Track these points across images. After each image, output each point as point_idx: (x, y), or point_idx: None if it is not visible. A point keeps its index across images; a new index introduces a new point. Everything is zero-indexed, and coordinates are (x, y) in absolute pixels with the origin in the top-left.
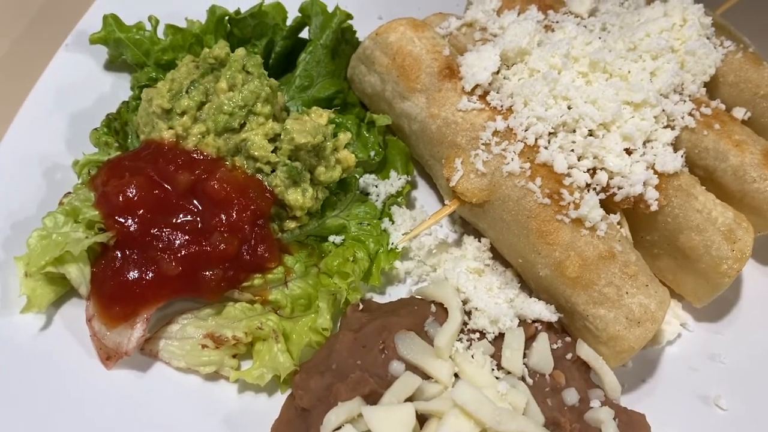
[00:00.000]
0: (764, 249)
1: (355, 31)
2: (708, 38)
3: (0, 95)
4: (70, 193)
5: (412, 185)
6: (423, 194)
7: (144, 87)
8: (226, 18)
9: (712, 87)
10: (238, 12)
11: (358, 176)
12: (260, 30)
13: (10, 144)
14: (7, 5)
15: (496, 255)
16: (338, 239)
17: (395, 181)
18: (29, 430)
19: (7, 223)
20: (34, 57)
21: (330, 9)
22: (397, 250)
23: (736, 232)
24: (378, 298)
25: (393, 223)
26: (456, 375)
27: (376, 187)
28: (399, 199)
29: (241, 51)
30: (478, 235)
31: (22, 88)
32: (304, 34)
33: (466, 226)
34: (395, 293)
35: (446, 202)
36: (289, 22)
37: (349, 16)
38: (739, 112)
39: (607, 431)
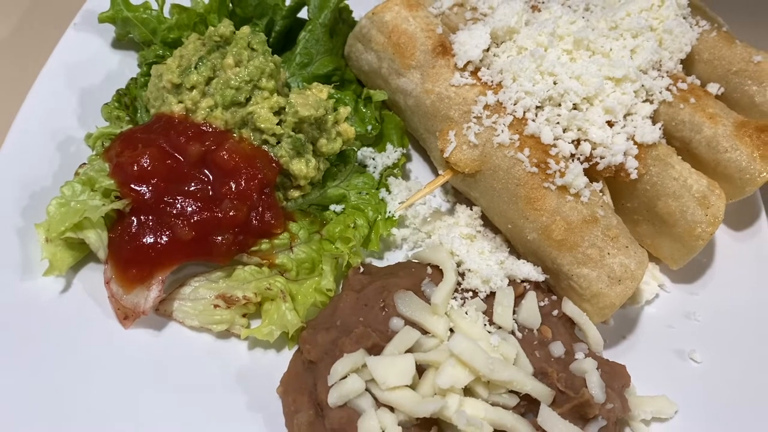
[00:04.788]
0: (736, 215)
1: (351, 11)
2: (684, 18)
3: (12, 73)
4: (84, 164)
5: (407, 157)
6: (417, 166)
7: (152, 64)
8: None
9: (688, 64)
10: None
11: (356, 149)
12: (261, 9)
13: (24, 119)
14: None
15: (487, 222)
16: (339, 208)
17: (391, 154)
18: (52, 385)
19: (25, 193)
20: (44, 36)
21: None
22: (394, 218)
23: (709, 198)
24: (377, 263)
25: (390, 192)
26: (451, 330)
27: (374, 159)
28: (395, 171)
29: (246, 29)
30: (470, 203)
31: (33, 66)
32: (303, 13)
33: (458, 195)
34: (393, 258)
35: (440, 172)
36: (288, 2)
37: None
38: (713, 87)
39: (591, 380)
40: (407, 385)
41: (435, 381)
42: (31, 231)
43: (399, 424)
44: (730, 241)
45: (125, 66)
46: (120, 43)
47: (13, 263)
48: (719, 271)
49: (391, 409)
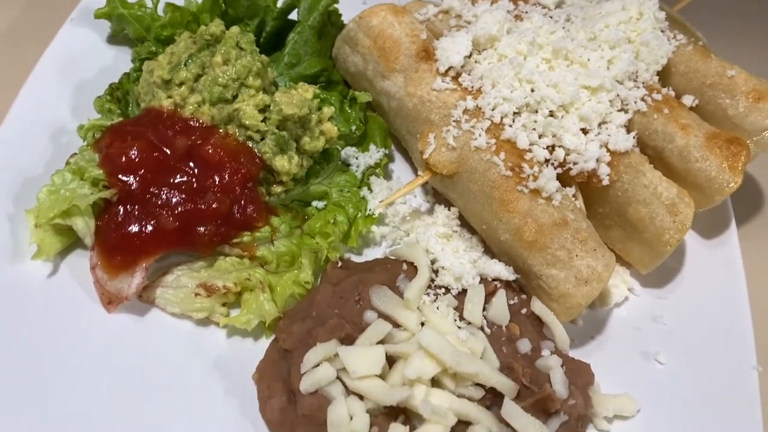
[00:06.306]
0: (707, 223)
1: (340, 14)
2: (662, 31)
3: (10, 64)
4: (75, 154)
5: (390, 158)
6: (399, 166)
7: (145, 60)
8: None
9: (664, 75)
10: None
11: (340, 148)
12: (253, 10)
13: (19, 109)
14: None
15: (464, 223)
16: (320, 204)
17: (374, 154)
18: (38, 366)
19: (18, 180)
20: (42, 29)
21: None
22: (374, 216)
23: (678, 206)
24: (356, 259)
25: (371, 191)
26: (422, 324)
27: (357, 158)
28: (377, 170)
29: (235, 29)
30: (448, 204)
31: (30, 58)
32: (293, 15)
33: (437, 196)
34: (372, 254)
35: (420, 173)
36: (279, 4)
37: (335, 0)
38: (688, 99)
39: (555, 376)
40: (377, 375)
41: (403, 371)
42: (21, 216)
43: (367, 412)
44: (700, 249)
45: (119, 61)
46: (115, 38)
47: (2, 247)
48: (688, 277)
49: (361, 397)
